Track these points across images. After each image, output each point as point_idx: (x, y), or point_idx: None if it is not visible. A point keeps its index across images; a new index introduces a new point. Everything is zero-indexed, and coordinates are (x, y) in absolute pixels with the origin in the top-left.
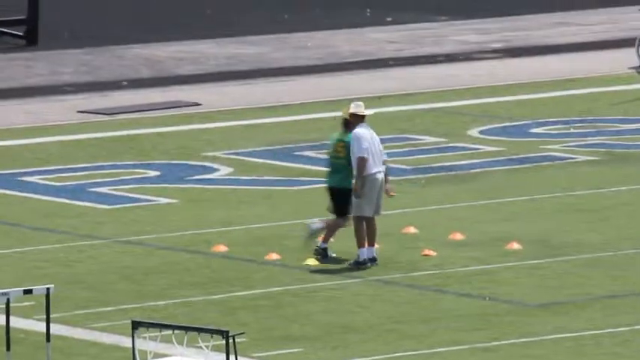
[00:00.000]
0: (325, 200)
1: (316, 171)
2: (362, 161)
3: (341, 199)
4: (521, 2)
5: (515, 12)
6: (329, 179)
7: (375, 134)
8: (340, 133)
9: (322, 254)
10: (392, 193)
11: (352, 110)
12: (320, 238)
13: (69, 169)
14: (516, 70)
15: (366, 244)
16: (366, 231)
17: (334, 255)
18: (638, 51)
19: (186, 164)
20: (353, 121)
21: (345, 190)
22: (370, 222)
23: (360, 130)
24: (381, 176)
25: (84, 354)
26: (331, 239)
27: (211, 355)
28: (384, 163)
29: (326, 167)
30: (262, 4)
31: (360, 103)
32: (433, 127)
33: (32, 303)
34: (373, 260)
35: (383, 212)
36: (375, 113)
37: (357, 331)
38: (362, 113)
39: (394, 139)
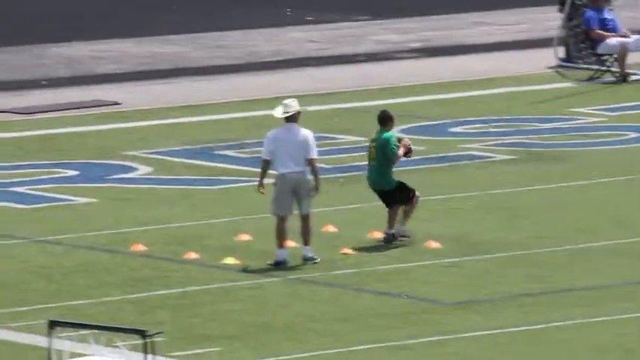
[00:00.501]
0: (243, 200)
1: (236, 170)
2: (262, 163)
3: (388, 198)
4: (439, 2)
5: (434, 12)
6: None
7: (300, 133)
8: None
9: (404, 235)
10: (311, 192)
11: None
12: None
13: None
14: (435, 70)
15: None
16: (300, 230)
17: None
18: (556, 50)
19: (105, 164)
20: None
21: (385, 190)
22: (305, 221)
23: (272, 132)
24: (294, 176)
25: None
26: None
27: (129, 354)
28: (310, 162)
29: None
30: (182, 3)
31: (287, 102)
32: (353, 126)
33: None
34: (310, 260)
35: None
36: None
37: (276, 331)
38: (279, 116)
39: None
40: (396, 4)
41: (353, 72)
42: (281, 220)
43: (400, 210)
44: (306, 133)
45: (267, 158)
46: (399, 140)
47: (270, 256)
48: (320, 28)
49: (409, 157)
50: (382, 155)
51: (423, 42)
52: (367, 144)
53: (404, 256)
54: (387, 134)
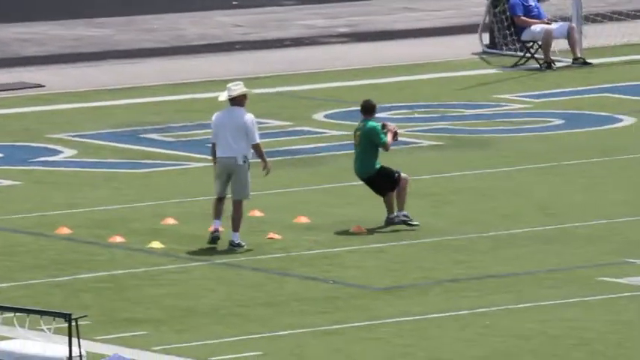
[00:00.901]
0: (169, 183)
1: (161, 154)
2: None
3: (375, 186)
4: None
5: None
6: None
7: (241, 117)
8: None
9: (406, 220)
10: (264, 173)
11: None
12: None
13: None
14: (362, 55)
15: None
16: (231, 215)
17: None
18: (481, 37)
19: (29, 146)
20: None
21: (370, 176)
22: (235, 207)
23: (215, 115)
24: (226, 161)
25: None
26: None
27: (54, 337)
28: (253, 147)
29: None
30: None
31: (231, 85)
32: (278, 111)
33: None
34: (237, 246)
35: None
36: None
37: (201, 315)
38: (222, 99)
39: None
40: None
41: (279, 57)
42: (217, 200)
43: (394, 195)
44: (247, 118)
45: (213, 142)
46: (383, 127)
47: (196, 240)
48: (246, 12)
49: (396, 139)
50: (367, 143)
51: (350, 27)
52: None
53: (330, 242)
54: (371, 123)
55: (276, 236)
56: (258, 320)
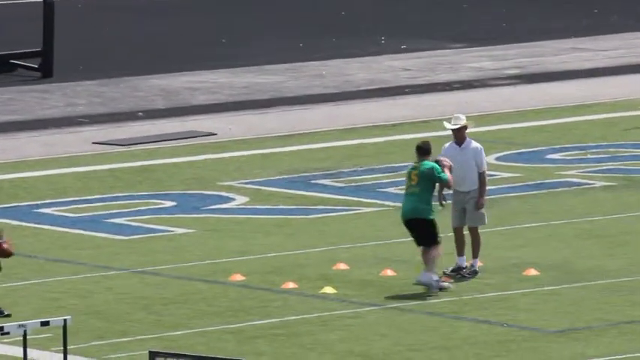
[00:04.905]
0: (340, 229)
1: (332, 199)
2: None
3: (422, 230)
4: (534, 29)
5: (528, 38)
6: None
7: (466, 151)
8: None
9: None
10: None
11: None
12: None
13: (84, 200)
14: (531, 97)
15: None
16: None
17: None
18: None
19: (201, 194)
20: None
21: (422, 218)
22: (471, 233)
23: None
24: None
25: None
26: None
27: None
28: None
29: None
30: (277, 33)
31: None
32: None
33: (49, 335)
34: (472, 273)
35: None
36: (390, 141)
37: (374, 359)
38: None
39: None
40: (491, 32)
41: (448, 100)
42: (455, 231)
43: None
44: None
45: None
46: (438, 162)
47: (368, 284)
48: (415, 56)
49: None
50: (426, 183)
51: (518, 69)
52: (406, 174)
53: (502, 284)
54: (429, 162)
55: (449, 280)
56: None
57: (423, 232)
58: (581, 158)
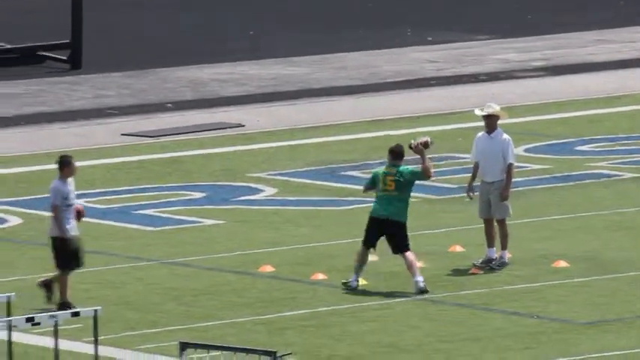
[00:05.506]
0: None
1: (360, 190)
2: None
3: (393, 231)
4: (561, 20)
5: (555, 30)
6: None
7: (495, 141)
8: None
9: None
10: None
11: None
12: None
13: (114, 191)
14: (558, 88)
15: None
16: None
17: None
18: None
19: (231, 185)
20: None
21: (395, 220)
22: (498, 224)
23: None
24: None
25: None
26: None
27: None
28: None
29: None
30: (304, 25)
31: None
32: None
33: (80, 325)
34: (501, 265)
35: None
36: (415, 132)
37: (404, 351)
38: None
39: (438, 159)
40: (517, 24)
41: (475, 91)
42: (484, 222)
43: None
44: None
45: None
46: (410, 147)
47: (397, 276)
48: (441, 48)
49: (427, 147)
50: (405, 187)
51: (545, 60)
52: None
53: (532, 276)
54: (406, 168)
55: (478, 271)
56: (462, 356)
57: (397, 235)
58: (610, 150)
